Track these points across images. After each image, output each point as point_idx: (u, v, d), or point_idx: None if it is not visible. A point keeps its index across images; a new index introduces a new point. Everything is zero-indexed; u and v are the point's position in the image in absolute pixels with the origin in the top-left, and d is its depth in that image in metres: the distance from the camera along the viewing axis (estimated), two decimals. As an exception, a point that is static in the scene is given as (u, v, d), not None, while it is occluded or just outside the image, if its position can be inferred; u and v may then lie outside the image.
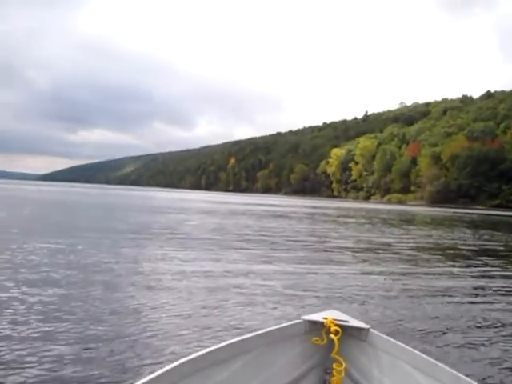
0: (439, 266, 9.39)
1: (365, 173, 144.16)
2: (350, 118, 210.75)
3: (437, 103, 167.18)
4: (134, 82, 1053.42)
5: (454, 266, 9.53)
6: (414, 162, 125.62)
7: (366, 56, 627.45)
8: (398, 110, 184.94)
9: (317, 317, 2.00)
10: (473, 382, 1.63)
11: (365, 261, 9.53)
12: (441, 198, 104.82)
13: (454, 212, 56.01)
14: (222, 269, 7.31)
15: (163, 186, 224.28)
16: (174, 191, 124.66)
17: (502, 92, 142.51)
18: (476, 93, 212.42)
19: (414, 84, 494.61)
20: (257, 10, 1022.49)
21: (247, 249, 10.16)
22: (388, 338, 1.91)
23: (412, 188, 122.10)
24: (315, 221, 23.39)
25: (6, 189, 54.35)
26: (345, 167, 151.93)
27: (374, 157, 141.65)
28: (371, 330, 1.94)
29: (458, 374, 1.66)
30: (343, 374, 1.91)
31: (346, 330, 1.94)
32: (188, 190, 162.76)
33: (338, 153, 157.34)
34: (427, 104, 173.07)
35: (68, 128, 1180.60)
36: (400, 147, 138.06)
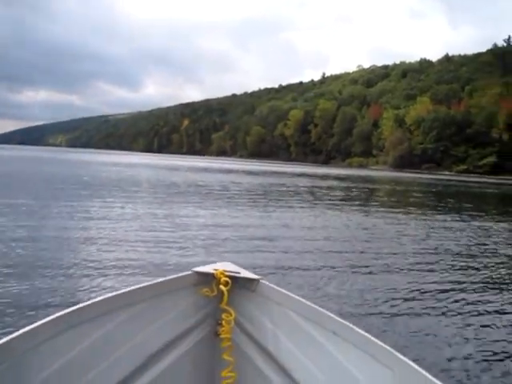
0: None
1: (324, 135, 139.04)
2: (306, 80, 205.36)
3: (395, 66, 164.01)
4: (77, 40, 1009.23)
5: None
6: (375, 124, 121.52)
7: (320, 17, 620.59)
8: (355, 72, 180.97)
9: (207, 268, 1.98)
10: (359, 329, 1.63)
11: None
12: (404, 162, 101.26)
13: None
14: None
15: (115, 149, 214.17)
16: (123, 154, 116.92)
17: (464, 56, 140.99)
18: (433, 57, 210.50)
19: (369, 48, 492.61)
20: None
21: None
22: (277, 288, 1.92)
23: (374, 152, 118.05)
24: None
25: None
26: (303, 129, 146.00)
27: (334, 119, 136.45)
28: (261, 280, 1.95)
29: (345, 321, 1.68)
30: (232, 323, 1.93)
31: (236, 281, 1.95)
32: (139, 153, 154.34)
33: (296, 115, 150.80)
34: (385, 67, 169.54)
35: (11, 88, 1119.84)
36: (361, 109, 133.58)
